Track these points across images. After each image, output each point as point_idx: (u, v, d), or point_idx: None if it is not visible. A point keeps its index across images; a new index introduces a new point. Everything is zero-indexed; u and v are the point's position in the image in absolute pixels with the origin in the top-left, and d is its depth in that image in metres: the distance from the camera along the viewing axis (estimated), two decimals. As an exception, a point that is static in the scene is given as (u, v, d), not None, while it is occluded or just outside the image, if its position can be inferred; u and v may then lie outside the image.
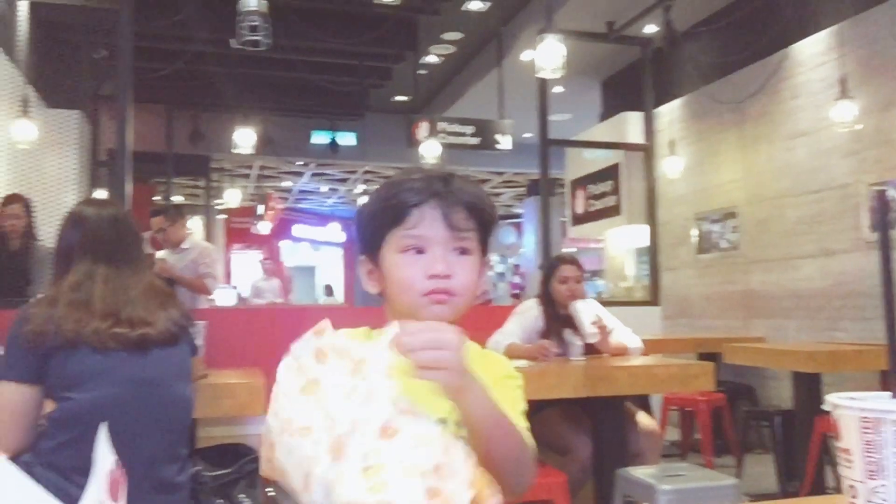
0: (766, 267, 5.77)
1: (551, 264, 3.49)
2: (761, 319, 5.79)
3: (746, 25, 5.88)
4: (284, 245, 19.26)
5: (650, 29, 6.79)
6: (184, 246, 4.91)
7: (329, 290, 15.81)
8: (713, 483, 2.27)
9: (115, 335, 1.79)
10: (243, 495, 2.15)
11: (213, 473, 2.19)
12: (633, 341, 3.42)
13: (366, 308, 5.12)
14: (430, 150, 7.48)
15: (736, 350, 4.17)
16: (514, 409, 1.05)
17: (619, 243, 8.12)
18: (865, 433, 0.73)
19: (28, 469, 1.70)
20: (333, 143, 11.13)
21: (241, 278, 17.03)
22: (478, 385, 0.90)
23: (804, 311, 5.37)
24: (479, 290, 1.12)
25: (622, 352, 3.34)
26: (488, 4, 7.36)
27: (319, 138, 11.38)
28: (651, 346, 4.22)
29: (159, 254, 5.04)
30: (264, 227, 14.19)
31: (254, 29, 4.21)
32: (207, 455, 2.19)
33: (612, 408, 2.80)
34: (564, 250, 10.93)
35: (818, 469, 3.64)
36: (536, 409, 3.11)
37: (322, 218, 19.76)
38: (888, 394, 0.78)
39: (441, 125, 8.30)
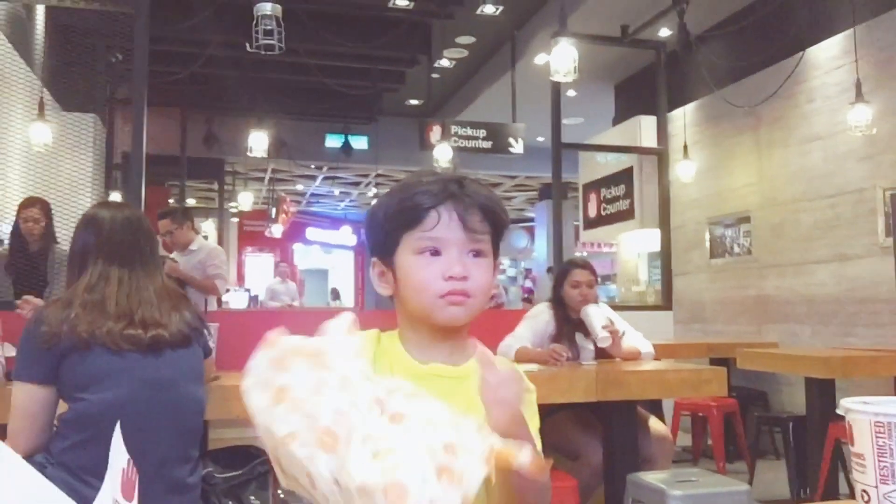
0: (780, 272, 5.73)
1: (564, 268, 3.48)
2: (774, 325, 5.76)
3: (761, 29, 5.85)
4: (297, 248, 19.33)
5: (664, 32, 6.77)
6: (192, 248, 4.92)
7: (336, 294, 15.83)
8: (725, 489, 2.26)
9: (129, 336, 1.81)
10: (254, 497, 2.16)
11: (224, 475, 2.20)
12: (644, 346, 3.40)
13: (377, 311, 5.13)
14: (442, 154, 7.49)
15: (749, 355, 4.15)
16: (531, 428, 1.05)
17: (632, 247, 8.10)
18: (879, 437, 0.72)
19: (41, 469, 1.71)
20: (346, 147, 11.17)
21: (254, 281, 17.13)
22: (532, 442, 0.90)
23: (818, 317, 5.33)
24: (491, 294, 1.13)
25: (634, 356, 3.33)
26: (501, 8, 7.36)
27: (333, 142, 11.42)
28: (663, 351, 4.21)
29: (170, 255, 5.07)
30: (277, 231, 14.25)
31: (268, 33, 4.24)
32: (218, 457, 2.20)
33: (623, 412, 2.78)
34: (577, 254, 10.91)
35: (831, 475, 3.61)
36: (547, 414, 3.11)
37: (334, 221, 19.83)
38: (901, 399, 0.78)
39: (454, 129, 8.31)
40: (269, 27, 4.24)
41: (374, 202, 1.15)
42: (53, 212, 4.49)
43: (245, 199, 12.55)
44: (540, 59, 7.57)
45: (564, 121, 6.49)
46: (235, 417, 2.53)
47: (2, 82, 5.30)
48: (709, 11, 6.27)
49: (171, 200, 11.06)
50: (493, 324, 3.83)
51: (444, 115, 8.79)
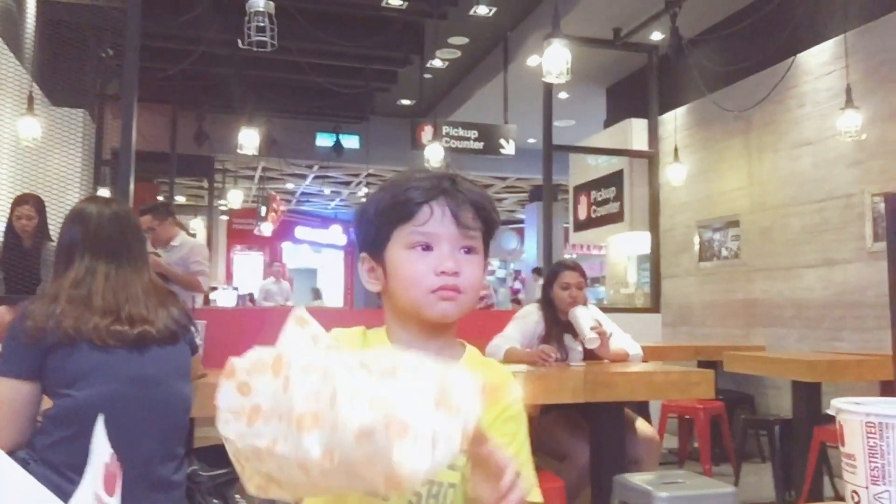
0: (768, 276, 5.76)
1: (553, 270, 3.49)
2: (762, 328, 5.78)
3: (753, 33, 5.88)
4: (286, 247, 19.28)
5: (656, 36, 6.80)
6: (173, 244, 4.90)
7: (317, 294, 15.77)
8: (711, 491, 2.27)
9: (115, 332, 1.79)
10: (239, 496, 2.15)
11: (210, 473, 2.19)
12: (632, 348, 3.41)
13: (366, 310, 5.12)
14: (434, 154, 7.49)
15: (736, 358, 4.16)
16: (517, 446, 1.05)
17: (621, 250, 8.12)
18: (870, 438, 0.72)
19: (24, 466, 1.70)
20: (338, 146, 11.16)
21: (242, 279, 17.07)
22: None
23: (805, 321, 5.36)
24: (481, 291, 1.12)
25: (622, 358, 3.34)
26: (495, 9, 7.37)
27: (324, 141, 11.41)
28: (651, 354, 4.22)
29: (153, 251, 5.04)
30: (266, 229, 14.20)
31: (261, 30, 4.23)
32: (204, 455, 2.18)
33: (610, 414, 2.79)
34: (566, 256, 10.93)
35: (816, 478, 3.62)
36: (535, 415, 3.11)
37: (324, 220, 19.79)
38: (893, 399, 0.78)
39: (445, 129, 8.31)
40: (261, 24, 4.23)
41: (364, 198, 1.15)
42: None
43: (235, 197, 12.50)
44: (532, 60, 7.59)
45: (556, 123, 6.50)
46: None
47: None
48: (701, 15, 6.29)
49: (160, 197, 11.02)
50: (482, 324, 3.83)
51: (435, 115, 8.79)
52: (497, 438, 0.85)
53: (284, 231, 17.98)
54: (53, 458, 1.70)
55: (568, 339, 3.36)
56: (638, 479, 2.36)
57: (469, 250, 1.06)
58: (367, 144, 11.23)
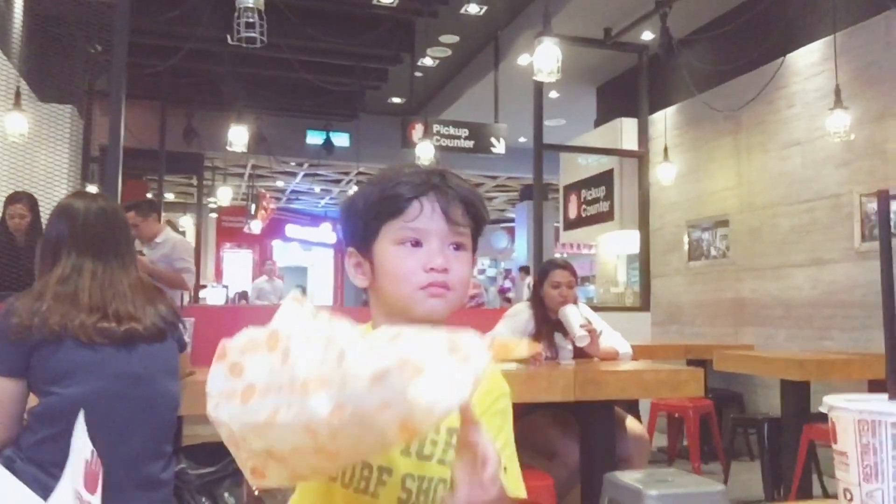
0: (757, 275, 5.78)
1: (544, 269, 3.48)
2: (751, 327, 5.81)
3: (743, 34, 5.90)
4: (276, 245, 19.22)
5: (647, 36, 6.81)
6: (157, 240, 4.87)
7: (302, 292, 15.75)
8: (700, 489, 2.27)
9: (102, 330, 1.77)
10: (227, 493, 2.13)
11: (198, 471, 2.17)
12: (622, 346, 3.42)
13: (356, 308, 5.10)
14: (424, 153, 7.48)
15: (725, 357, 4.18)
16: (503, 440, 1.05)
17: (611, 249, 8.14)
18: (863, 435, 0.72)
19: (9, 464, 1.68)
20: (328, 144, 11.12)
21: (231, 277, 17.01)
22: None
23: (794, 320, 5.38)
24: (471, 289, 1.12)
25: (612, 356, 3.34)
26: (486, 8, 7.36)
27: (314, 138, 11.36)
28: (641, 352, 4.23)
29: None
30: (256, 227, 14.15)
31: (250, 26, 4.20)
32: (192, 453, 2.17)
33: (600, 412, 2.79)
34: (556, 255, 10.92)
35: (804, 476, 3.64)
36: (525, 413, 3.11)
37: (314, 219, 19.74)
38: (885, 396, 0.77)
39: (436, 128, 8.30)
40: (251, 20, 4.20)
41: (351, 192, 1.13)
42: (32, 205, 4.45)
43: (224, 195, 12.45)
44: (523, 59, 7.58)
45: (546, 122, 6.50)
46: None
47: (-23, 71, 5.21)
48: (691, 15, 6.31)
49: (148, 194, 10.95)
50: (472, 323, 3.80)
51: (426, 113, 8.77)
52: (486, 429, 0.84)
53: (274, 229, 17.93)
54: (39, 456, 1.68)
55: (558, 337, 3.36)
56: (628, 477, 2.36)
57: (458, 247, 1.05)
58: (357, 142, 11.19)
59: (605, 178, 7.58)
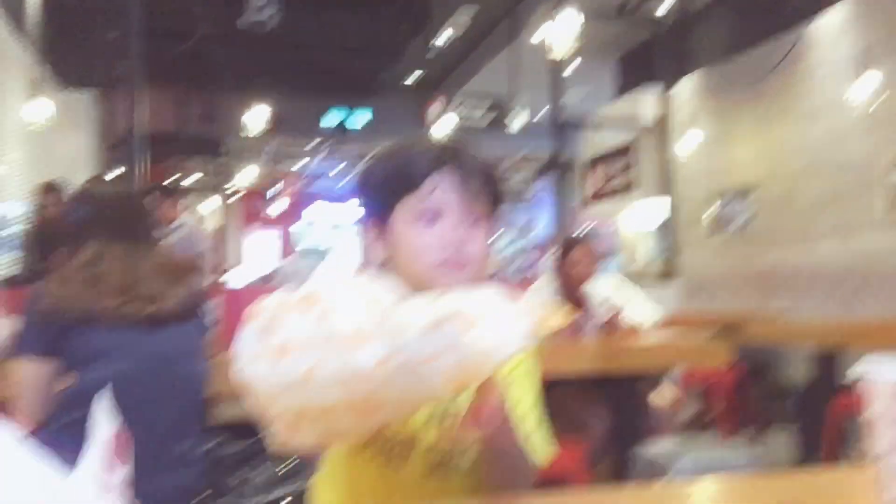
0: (785, 244, 5.70)
1: (566, 244, 3.46)
2: (779, 296, 5.73)
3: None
4: (299, 226, 19.29)
5: (668, 3, 6.68)
6: (173, 226, 4.88)
7: (332, 263, 15.80)
8: (732, 457, 2.25)
9: (127, 312, 1.78)
10: (258, 471, 2.15)
11: (229, 449, 2.20)
12: (649, 316, 3.39)
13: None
14: (442, 130, 7.44)
15: (754, 326, 4.13)
16: (529, 403, 1.04)
17: (635, 222, 8.07)
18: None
19: (43, 444, 1.70)
20: (345, 123, 11.10)
21: (255, 259, 17.11)
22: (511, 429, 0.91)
23: (823, 289, 5.30)
24: (490, 265, 1.11)
25: (637, 329, 3.32)
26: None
27: (331, 118, 11.34)
28: (668, 324, 4.19)
29: None
30: (278, 209, 14.20)
31: (261, 9, 4.18)
32: (223, 431, 2.19)
33: (627, 384, 2.77)
34: (579, 230, 10.88)
35: (836, 444, 3.60)
36: (551, 387, 3.10)
37: (334, 199, 19.75)
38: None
39: (453, 104, 8.25)
40: (261, 3, 4.18)
41: (366, 164, 1.11)
42: (51, 189, 4.49)
43: (244, 178, 12.50)
44: (541, 31, 7.47)
45: (566, 95, 6.42)
46: (239, 392, 2.51)
47: (-2, 60, 5.25)
48: (712, -19, 6.18)
49: (170, 179, 11.02)
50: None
51: (444, 90, 8.71)
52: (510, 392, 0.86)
53: (296, 210, 17.98)
54: (70, 437, 1.70)
55: (582, 311, 3.34)
56: (658, 447, 2.35)
57: (475, 222, 1.03)
58: (375, 121, 11.16)
59: (626, 151, 7.50)
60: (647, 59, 7.49)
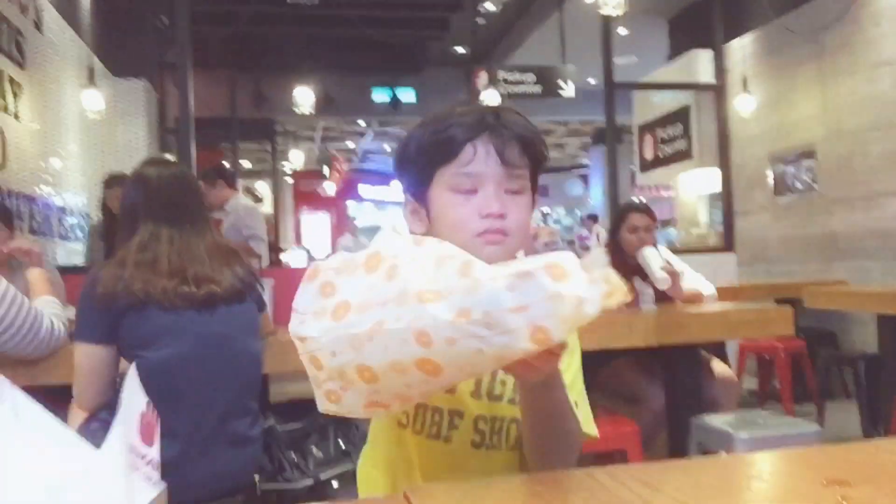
0: (848, 206, 5.49)
1: (621, 213, 3.40)
2: (843, 262, 5.54)
3: (824, -50, 5.52)
4: (350, 205, 19.46)
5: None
6: (226, 208, 4.87)
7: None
8: (794, 430, 2.18)
9: (183, 294, 1.81)
10: (315, 447, 2.18)
11: (286, 427, 2.23)
12: (706, 288, 3.31)
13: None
14: (490, 101, 7.36)
15: (816, 294, 4.00)
16: (571, 376, 1.03)
17: (691, 189, 7.89)
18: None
19: (104, 427, 1.75)
20: (394, 100, 11.09)
21: (310, 239, 17.33)
22: (560, 385, 0.90)
23: (889, 252, 5.10)
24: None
25: (695, 298, 3.24)
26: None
27: (380, 95, 11.35)
28: (726, 294, 4.09)
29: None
30: (330, 189, 14.34)
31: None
32: (279, 409, 2.22)
33: (685, 356, 2.71)
34: (633, 199, 10.69)
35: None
36: (608, 359, 3.06)
37: (386, 177, 19.84)
38: None
39: (501, 74, 8.15)
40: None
41: (405, 134, 1.09)
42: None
43: (297, 158, 12.63)
44: (589, -4, 7.32)
45: (616, 60, 6.27)
46: (294, 371, 2.55)
47: (53, 52, 5.37)
48: (767, -66, 5.94)
49: (224, 162, 11.21)
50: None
51: (491, 61, 8.58)
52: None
53: (348, 190, 18.12)
54: (132, 418, 1.74)
55: (637, 282, 3.27)
56: (717, 420, 2.30)
57: (516, 191, 1.00)
58: (423, 96, 11.12)
59: (681, 115, 7.30)
60: (699, 19, 7.26)
